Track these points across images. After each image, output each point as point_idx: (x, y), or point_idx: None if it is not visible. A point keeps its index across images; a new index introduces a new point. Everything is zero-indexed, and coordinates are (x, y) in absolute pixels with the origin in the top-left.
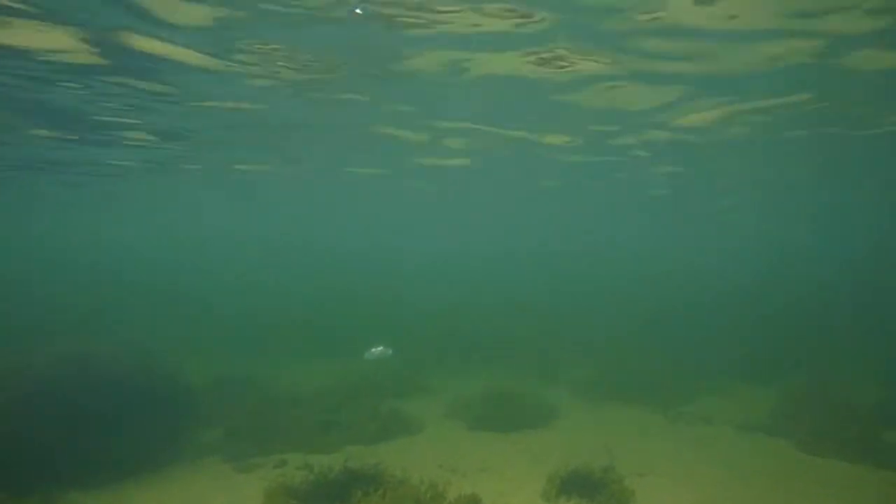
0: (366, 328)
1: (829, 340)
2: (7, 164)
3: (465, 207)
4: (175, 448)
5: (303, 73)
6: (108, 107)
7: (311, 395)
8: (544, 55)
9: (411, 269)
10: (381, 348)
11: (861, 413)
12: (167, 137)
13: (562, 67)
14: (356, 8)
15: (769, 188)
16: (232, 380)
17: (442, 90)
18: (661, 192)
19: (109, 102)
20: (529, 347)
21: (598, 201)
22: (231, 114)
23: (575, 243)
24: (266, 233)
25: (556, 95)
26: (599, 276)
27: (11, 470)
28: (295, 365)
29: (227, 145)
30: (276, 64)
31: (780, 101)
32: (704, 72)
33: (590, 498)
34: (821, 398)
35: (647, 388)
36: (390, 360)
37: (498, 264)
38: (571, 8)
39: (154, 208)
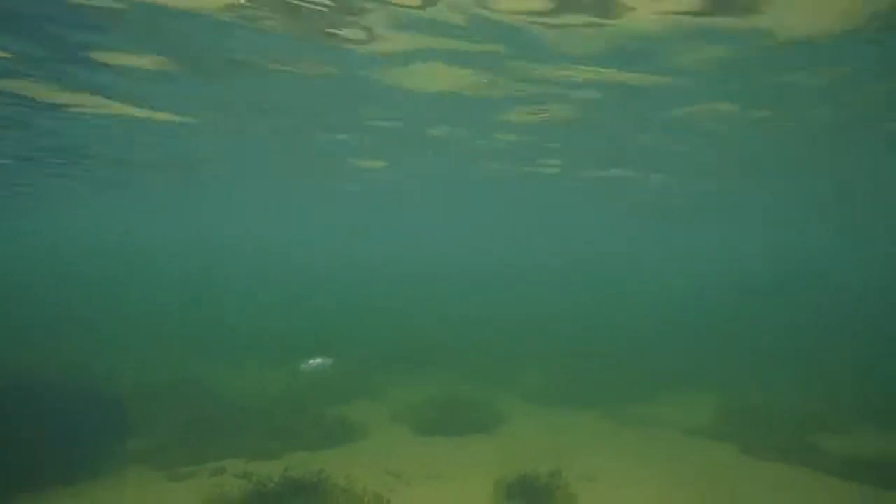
0: (316, 332)
1: (772, 349)
2: None
3: (415, 214)
4: (104, 457)
5: None
6: None
7: (256, 400)
8: None
9: (365, 275)
10: (319, 360)
11: (795, 419)
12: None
13: None
14: None
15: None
16: (176, 384)
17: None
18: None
19: None
20: (482, 353)
21: (544, 205)
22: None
23: (529, 250)
24: (221, 235)
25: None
26: (553, 284)
27: None
28: (243, 370)
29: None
30: None
31: None
32: None
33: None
34: (758, 404)
35: (597, 393)
36: (330, 371)
37: (453, 270)
38: None
39: (90, 205)
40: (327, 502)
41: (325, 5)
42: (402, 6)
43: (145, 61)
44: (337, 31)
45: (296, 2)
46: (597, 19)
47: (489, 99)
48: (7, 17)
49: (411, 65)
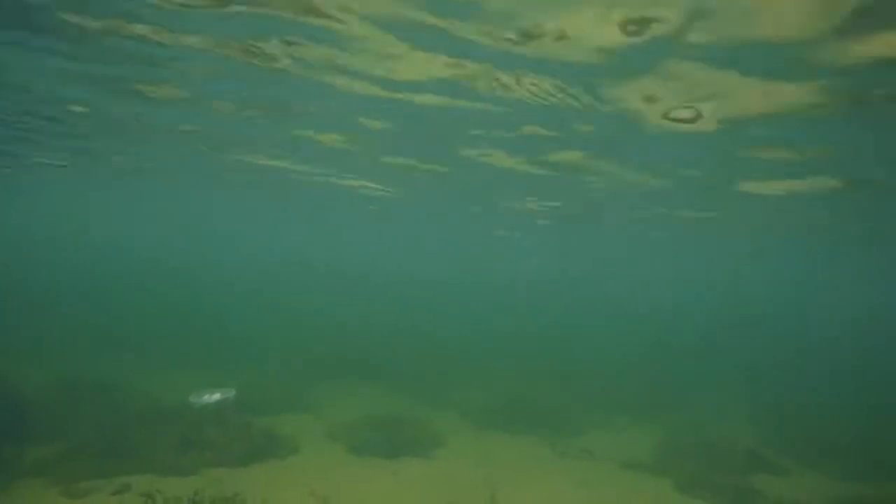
0: (247, 338)
1: (713, 381)
2: None
3: (355, 222)
4: None
5: None
6: None
7: (174, 407)
8: None
9: (303, 282)
10: (217, 395)
11: (735, 457)
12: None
13: None
14: None
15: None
16: (84, 386)
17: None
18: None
19: None
20: (423, 367)
21: (487, 223)
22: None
23: (478, 264)
24: (145, 233)
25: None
26: (502, 301)
27: None
28: (163, 374)
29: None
30: None
31: None
32: None
33: None
34: (700, 439)
35: (537, 418)
36: (230, 405)
37: (397, 284)
38: None
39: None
40: None
41: None
42: None
43: None
44: None
45: None
46: None
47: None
48: None
49: None
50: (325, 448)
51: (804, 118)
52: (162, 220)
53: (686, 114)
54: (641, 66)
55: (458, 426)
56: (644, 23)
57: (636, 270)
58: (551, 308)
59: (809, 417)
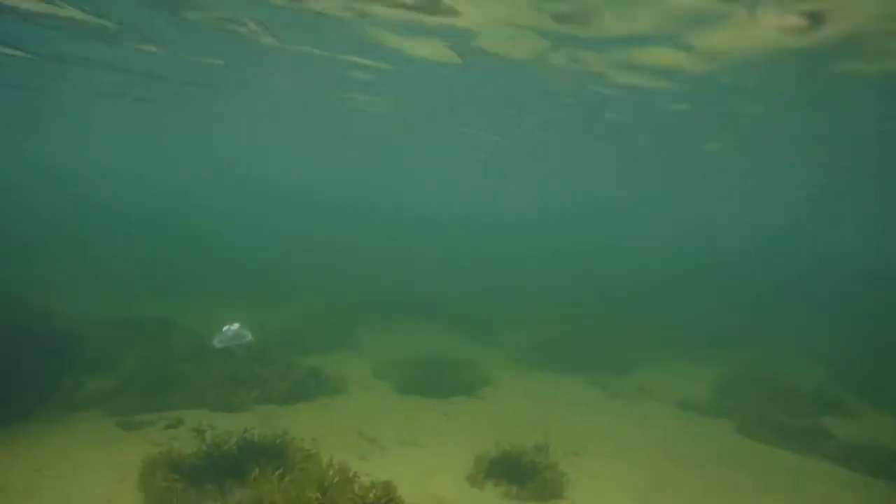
0: (295, 276)
1: (776, 320)
2: None
3: (402, 162)
4: (52, 399)
5: None
6: None
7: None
8: None
9: (350, 220)
10: (236, 327)
11: (802, 397)
12: None
13: None
14: None
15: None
16: (138, 322)
17: None
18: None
19: None
20: (469, 309)
21: (543, 157)
22: None
23: (523, 204)
24: (193, 168)
25: None
26: (548, 240)
27: None
28: (214, 309)
29: None
30: None
31: None
32: None
33: (520, 484)
34: (763, 380)
35: (587, 357)
36: (250, 344)
37: (444, 223)
38: None
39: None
40: (287, 470)
41: None
42: None
43: None
44: None
45: None
46: None
47: None
48: None
49: None
50: (372, 387)
51: None
52: (210, 161)
53: None
54: None
55: (506, 366)
56: None
57: (692, 199)
58: (601, 243)
59: (882, 357)
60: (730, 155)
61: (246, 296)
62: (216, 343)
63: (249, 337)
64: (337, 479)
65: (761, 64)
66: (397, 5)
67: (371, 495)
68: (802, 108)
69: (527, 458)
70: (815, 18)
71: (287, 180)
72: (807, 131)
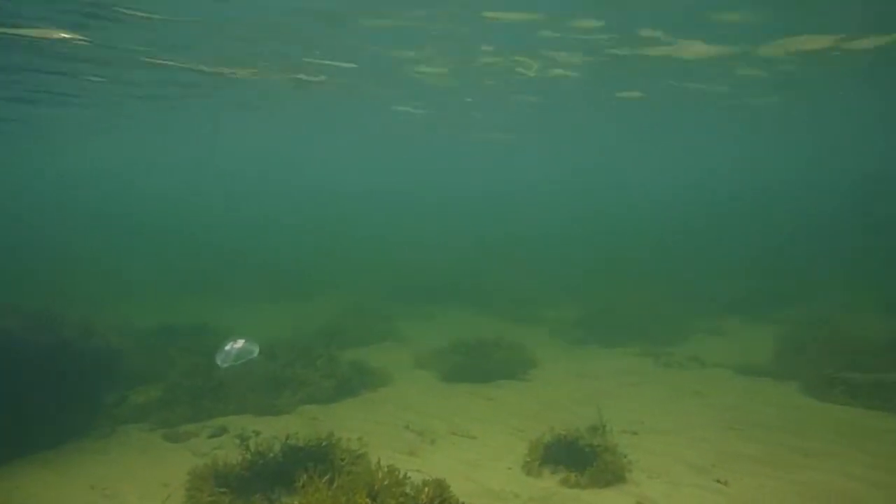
0: (327, 268)
1: (834, 272)
2: None
3: (429, 141)
4: (94, 413)
5: None
6: None
7: (265, 345)
8: None
9: (380, 206)
10: (241, 343)
11: (872, 352)
12: None
13: None
14: None
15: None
16: (177, 329)
17: None
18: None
19: None
20: (507, 285)
21: (570, 121)
22: None
23: (553, 170)
24: (220, 167)
25: None
26: (580, 207)
27: None
28: (252, 310)
29: None
30: None
31: None
32: None
33: (579, 469)
34: (828, 335)
35: (635, 328)
36: (256, 360)
37: (472, 198)
38: None
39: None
40: (335, 473)
41: None
42: None
43: None
44: None
45: None
46: None
47: None
48: None
49: None
50: (415, 377)
51: None
52: (242, 152)
53: None
54: None
55: (551, 344)
56: None
57: (730, 148)
58: (621, 209)
59: None
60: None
61: (280, 293)
62: (220, 363)
63: (257, 352)
64: (386, 481)
65: None
66: None
67: (423, 496)
68: None
69: (583, 441)
70: None
71: (304, 169)
72: None
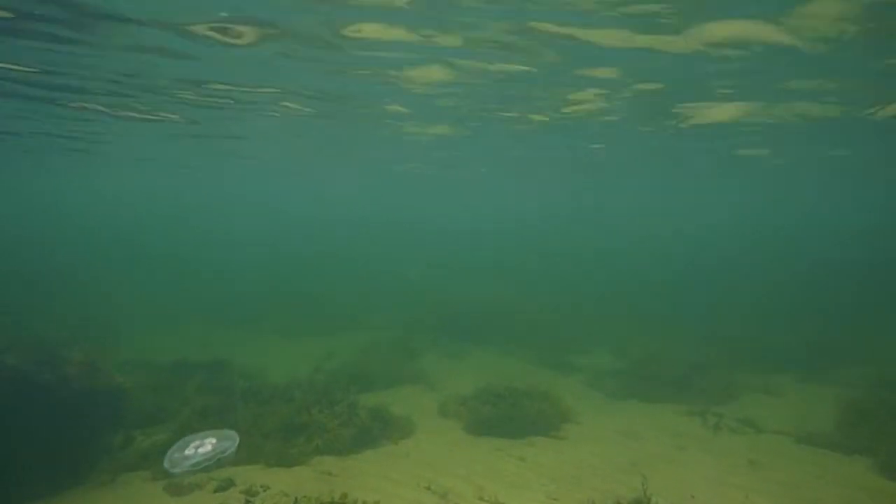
0: (354, 304)
1: (872, 323)
2: None
3: (456, 179)
4: (99, 459)
5: None
6: None
7: (281, 386)
8: None
9: (404, 242)
10: (209, 446)
11: None
12: None
13: None
14: None
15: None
16: (192, 365)
17: None
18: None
19: None
20: (539, 330)
21: (612, 161)
22: None
23: (592, 211)
24: (239, 198)
25: None
26: (621, 249)
27: None
28: (274, 344)
29: None
30: None
31: None
32: None
33: None
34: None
35: (678, 382)
36: (226, 462)
37: (502, 234)
38: None
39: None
40: None
41: None
42: None
43: None
44: None
45: None
46: None
47: None
48: None
49: None
50: (439, 428)
51: None
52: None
53: None
54: None
55: (586, 396)
56: None
57: (788, 199)
58: (680, 249)
59: None
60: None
61: (302, 327)
62: (170, 468)
63: (232, 449)
64: None
65: None
66: None
67: None
68: None
69: None
70: None
71: (329, 201)
72: None
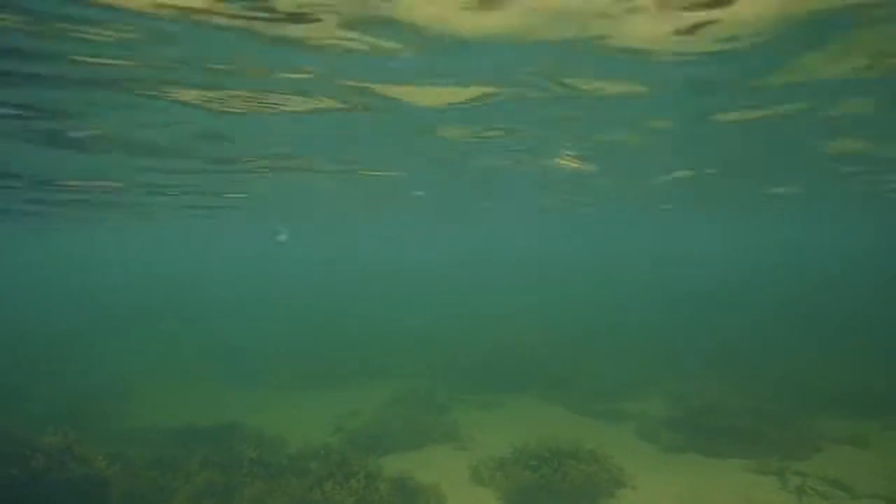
0: (379, 353)
1: None
2: None
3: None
4: None
5: None
6: None
7: (294, 454)
8: None
9: (419, 284)
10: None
11: None
12: None
13: None
14: None
15: None
16: (197, 433)
17: None
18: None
19: None
20: (582, 370)
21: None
22: None
23: (632, 253)
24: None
25: None
26: (668, 287)
27: None
28: (293, 400)
29: None
30: None
31: None
32: None
33: None
34: None
35: (745, 431)
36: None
37: (539, 276)
38: None
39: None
40: None
41: None
42: None
43: None
44: None
45: None
46: None
47: None
48: None
49: None
50: (473, 500)
51: None
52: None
53: None
54: None
55: (639, 450)
56: None
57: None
58: (737, 285)
59: None
60: None
61: (324, 380)
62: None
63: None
64: None
65: None
66: None
67: None
68: None
69: None
70: None
71: (349, 250)
72: None
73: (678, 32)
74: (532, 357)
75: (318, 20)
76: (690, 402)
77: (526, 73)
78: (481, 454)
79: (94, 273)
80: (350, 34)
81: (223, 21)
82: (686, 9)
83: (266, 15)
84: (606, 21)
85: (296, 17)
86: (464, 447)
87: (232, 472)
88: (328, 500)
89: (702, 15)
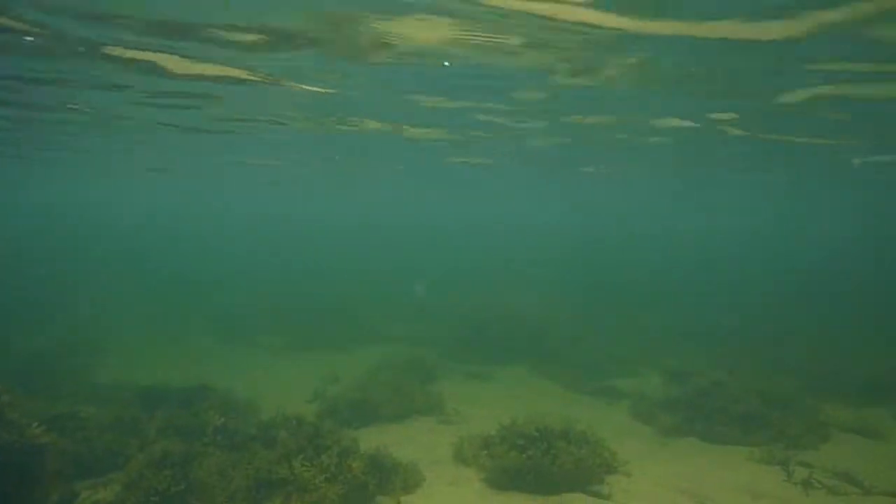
0: (373, 315)
1: None
2: None
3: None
4: None
5: None
6: None
7: (265, 423)
8: None
9: (411, 245)
10: None
11: None
12: None
13: None
14: None
15: None
16: (163, 394)
17: None
18: None
19: None
20: (578, 344)
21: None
22: None
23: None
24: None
25: None
26: (674, 253)
27: None
28: (280, 362)
29: None
30: None
31: None
32: None
33: None
34: None
35: (749, 416)
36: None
37: (531, 241)
38: None
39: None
40: None
41: None
42: None
43: None
44: None
45: None
46: None
47: None
48: None
49: None
50: (453, 480)
51: None
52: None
53: None
54: None
55: (635, 432)
56: None
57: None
58: (745, 263)
59: None
60: None
61: (312, 340)
62: None
63: None
64: None
65: None
66: None
67: None
68: None
69: None
70: None
71: (346, 208)
72: None
73: None
74: (528, 329)
75: None
76: (690, 382)
77: None
78: (467, 430)
79: (86, 223)
80: None
81: None
82: None
83: None
84: None
85: None
86: (449, 421)
87: (193, 439)
88: (297, 475)
89: None
